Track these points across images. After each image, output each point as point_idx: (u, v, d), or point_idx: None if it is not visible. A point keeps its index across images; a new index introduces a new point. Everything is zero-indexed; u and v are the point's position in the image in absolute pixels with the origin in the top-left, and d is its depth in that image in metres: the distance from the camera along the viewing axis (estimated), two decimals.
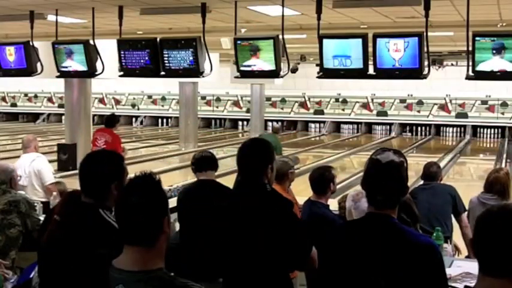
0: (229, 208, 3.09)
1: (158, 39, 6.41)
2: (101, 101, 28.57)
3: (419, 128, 24.51)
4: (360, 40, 5.53)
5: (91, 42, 6.86)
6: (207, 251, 3.11)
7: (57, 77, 7.29)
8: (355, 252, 2.36)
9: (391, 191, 2.38)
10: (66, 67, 6.95)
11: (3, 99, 30.39)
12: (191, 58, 6.24)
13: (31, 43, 7.12)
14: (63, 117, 13.64)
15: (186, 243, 4.37)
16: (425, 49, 5.37)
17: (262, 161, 3.04)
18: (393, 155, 2.39)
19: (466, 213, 5.31)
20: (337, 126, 25.62)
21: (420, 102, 24.12)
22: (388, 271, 2.29)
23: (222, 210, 3.12)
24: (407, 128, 24.75)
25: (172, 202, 6.55)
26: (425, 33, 5.35)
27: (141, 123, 28.18)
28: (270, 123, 25.93)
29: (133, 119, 28.58)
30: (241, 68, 6.09)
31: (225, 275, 3.07)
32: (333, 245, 2.49)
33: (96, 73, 6.93)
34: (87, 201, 2.62)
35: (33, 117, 29.68)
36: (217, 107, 27.06)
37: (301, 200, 4.82)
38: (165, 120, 28.15)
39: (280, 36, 5.96)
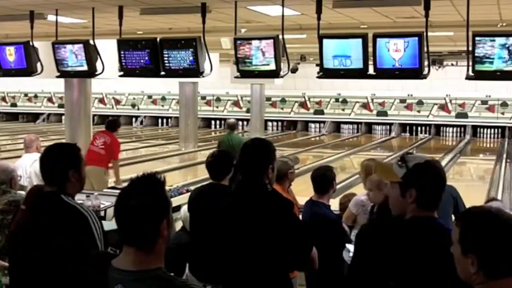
0: (229, 208, 3.09)
1: (158, 39, 6.41)
2: (101, 101, 28.57)
3: (419, 128, 24.52)
4: (360, 40, 5.53)
5: (91, 42, 6.85)
6: (213, 253, 3.10)
7: (57, 77, 7.28)
8: (397, 253, 2.36)
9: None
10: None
11: (3, 99, 30.39)
12: (191, 58, 6.24)
13: (31, 43, 7.12)
14: (63, 117, 13.63)
15: (195, 244, 4.36)
16: (425, 49, 5.37)
17: (263, 161, 3.04)
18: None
19: None
20: (337, 126, 25.62)
21: (420, 102, 24.13)
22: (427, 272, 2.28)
23: (222, 210, 3.12)
24: (407, 128, 24.79)
25: (173, 202, 6.57)
26: (425, 33, 5.35)
27: (141, 123, 28.17)
28: (269, 123, 25.97)
29: (133, 119, 28.58)
30: (241, 68, 6.09)
31: (225, 275, 3.07)
32: (375, 244, 2.48)
33: (96, 73, 6.93)
34: (50, 189, 2.79)
35: (33, 117, 29.68)
36: (217, 107, 27.07)
37: (301, 200, 4.81)
38: (165, 120, 28.15)
39: (280, 36, 5.96)
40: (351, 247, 4.27)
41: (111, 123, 9.33)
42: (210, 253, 3.11)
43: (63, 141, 12.17)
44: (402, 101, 24.31)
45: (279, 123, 26.49)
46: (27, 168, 6.49)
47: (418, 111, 24.20)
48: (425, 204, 2.41)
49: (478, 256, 1.79)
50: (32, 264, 2.66)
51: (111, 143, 8.87)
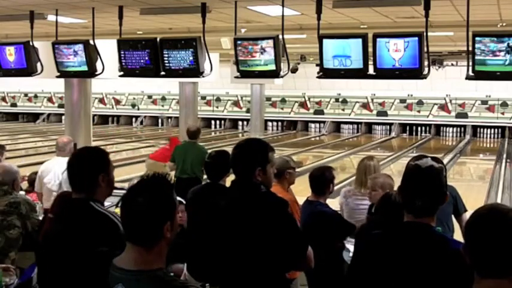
0: (223, 207, 3.08)
1: (158, 39, 6.41)
2: (101, 101, 28.58)
3: (419, 128, 24.52)
4: (360, 40, 5.53)
5: (91, 42, 6.85)
6: (211, 252, 3.09)
7: (57, 77, 7.29)
8: (392, 263, 2.29)
9: (432, 197, 2.32)
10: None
11: (3, 99, 30.39)
12: (191, 58, 6.24)
13: (31, 43, 7.12)
14: (63, 117, 13.63)
15: (193, 243, 4.37)
16: (425, 49, 5.37)
17: (250, 162, 3.00)
18: (432, 161, 2.33)
19: (467, 213, 5.31)
20: (337, 126, 25.61)
21: (420, 102, 24.13)
22: (427, 282, 2.23)
23: (218, 210, 3.10)
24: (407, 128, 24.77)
25: None
26: (425, 33, 5.35)
27: (141, 123, 28.17)
28: (269, 123, 25.97)
29: (133, 119, 28.59)
30: (241, 68, 6.10)
31: (222, 275, 3.06)
32: (369, 254, 2.40)
33: (96, 73, 6.93)
34: (78, 196, 2.71)
35: (33, 117, 29.68)
36: (217, 107, 27.07)
37: (300, 200, 4.80)
38: (165, 120, 28.16)
39: (280, 36, 5.96)
40: (351, 247, 4.28)
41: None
42: (208, 253, 3.10)
43: None
44: (402, 101, 24.31)
45: (279, 123, 26.47)
46: (59, 175, 6.02)
47: (418, 111, 24.19)
48: (410, 209, 2.32)
49: (470, 254, 1.80)
50: (63, 275, 2.58)
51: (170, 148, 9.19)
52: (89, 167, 2.73)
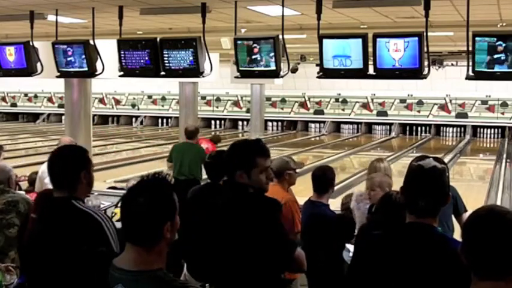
0: (217, 208, 3.07)
1: (158, 39, 6.42)
2: (101, 101, 28.58)
3: (419, 128, 24.53)
4: (359, 40, 5.53)
5: (91, 42, 6.86)
6: (208, 252, 3.10)
7: (57, 77, 7.29)
8: (393, 263, 2.28)
9: (435, 197, 2.31)
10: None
11: (3, 99, 30.39)
12: (191, 58, 6.24)
13: (31, 43, 7.12)
14: (63, 117, 13.63)
15: (192, 243, 4.37)
16: (425, 49, 5.37)
17: (231, 164, 2.99)
18: (435, 162, 2.32)
19: (467, 213, 5.31)
20: (337, 126, 25.62)
21: (420, 102, 24.13)
22: (427, 281, 2.22)
23: (213, 210, 3.10)
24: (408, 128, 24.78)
25: None
26: (425, 33, 5.36)
27: (141, 123, 28.18)
28: (269, 123, 25.98)
29: (133, 119, 28.59)
30: (241, 68, 6.10)
31: (216, 275, 3.05)
32: (369, 254, 2.38)
33: (96, 73, 6.93)
34: (59, 195, 2.70)
35: (33, 117, 29.70)
36: (217, 107, 27.07)
37: (301, 200, 4.80)
38: (165, 120, 28.16)
39: (280, 36, 5.96)
40: (351, 247, 4.27)
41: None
42: (207, 253, 3.09)
43: None
44: (402, 101, 24.31)
45: (279, 123, 26.48)
46: None
47: (418, 111, 24.20)
48: (412, 209, 2.31)
49: (467, 255, 1.80)
50: (47, 275, 2.57)
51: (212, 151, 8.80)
52: (71, 164, 2.72)
